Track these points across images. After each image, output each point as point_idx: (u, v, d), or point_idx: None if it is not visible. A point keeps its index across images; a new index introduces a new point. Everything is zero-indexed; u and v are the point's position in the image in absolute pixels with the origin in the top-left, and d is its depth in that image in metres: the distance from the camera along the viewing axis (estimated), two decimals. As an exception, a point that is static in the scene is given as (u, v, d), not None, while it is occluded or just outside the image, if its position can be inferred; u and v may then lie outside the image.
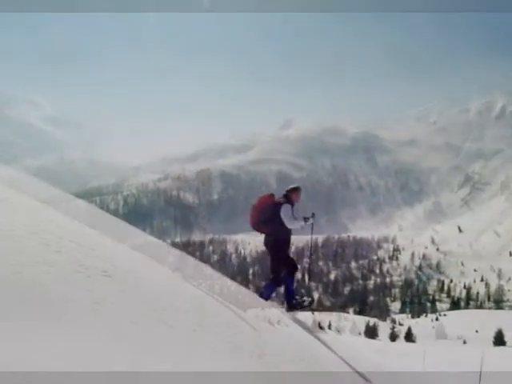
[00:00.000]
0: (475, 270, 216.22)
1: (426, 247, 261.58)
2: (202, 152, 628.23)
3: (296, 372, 4.41)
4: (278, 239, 7.18)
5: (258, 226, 7.22)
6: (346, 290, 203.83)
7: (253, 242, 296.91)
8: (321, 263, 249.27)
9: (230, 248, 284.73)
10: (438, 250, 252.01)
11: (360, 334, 67.99)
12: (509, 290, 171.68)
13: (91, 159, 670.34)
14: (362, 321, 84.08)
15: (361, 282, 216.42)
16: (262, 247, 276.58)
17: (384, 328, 73.13)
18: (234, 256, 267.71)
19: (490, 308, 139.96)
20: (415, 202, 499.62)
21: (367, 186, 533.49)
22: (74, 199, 7.73)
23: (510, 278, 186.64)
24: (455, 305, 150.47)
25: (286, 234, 7.20)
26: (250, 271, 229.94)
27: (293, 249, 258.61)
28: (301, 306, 7.51)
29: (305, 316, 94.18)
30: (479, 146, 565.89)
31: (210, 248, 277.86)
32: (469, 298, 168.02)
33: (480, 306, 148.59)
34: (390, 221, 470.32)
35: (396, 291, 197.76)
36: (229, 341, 4.47)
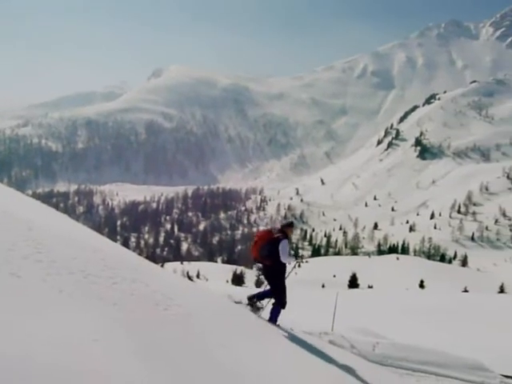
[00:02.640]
0: (335, 220, 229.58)
1: (291, 198, 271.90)
2: (66, 98, 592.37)
3: (153, 318, 4.60)
4: (278, 270, 7.74)
5: (260, 259, 7.78)
6: (215, 240, 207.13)
7: (121, 193, 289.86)
8: (190, 214, 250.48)
9: (97, 199, 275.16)
10: (302, 200, 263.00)
11: (227, 281, 69.78)
12: (363, 238, 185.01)
13: None
14: (229, 269, 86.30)
15: (229, 232, 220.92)
16: (130, 198, 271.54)
17: (250, 275, 75.67)
18: (101, 207, 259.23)
19: (347, 254, 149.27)
20: (282, 154, 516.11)
21: (237, 138, 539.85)
22: None
23: (364, 227, 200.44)
24: (316, 252, 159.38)
25: (284, 265, 7.77)
26: (118, 223, 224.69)
27: (162, 199, 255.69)
28: (254, 308, 8.15)
29: (173, 266, 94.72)
30: (342, 103, 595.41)
31: (76, 199, 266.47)
32: (328, 245, 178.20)
33: (338, 253, 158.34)
34: (258, 173, 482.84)
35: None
36: (132, 293, 4.65)
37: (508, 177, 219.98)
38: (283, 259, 7.55)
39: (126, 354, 3.46)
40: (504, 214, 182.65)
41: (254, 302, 8.13)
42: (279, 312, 7.86)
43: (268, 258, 7.65)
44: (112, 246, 7.58)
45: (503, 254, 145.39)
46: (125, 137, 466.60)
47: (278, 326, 7.75)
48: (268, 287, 8.09)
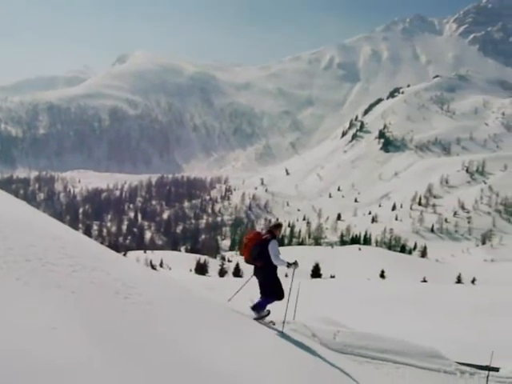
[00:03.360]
0: (299, 210, 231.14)
1: (256, 188, 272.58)
2: (27, 82, 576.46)
3: (113, 306, 4.62)
4: (269, 270, 7.88)
5: (252, 261, 7.96)
6: (179, 228, 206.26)
7: (83, 180, 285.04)
8: (154, 202, 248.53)
9: (58, 186, 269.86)
10: (266, 190, 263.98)
11: (191, 270, 69.62)
12: (326, 228, 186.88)
13: None
14: (193, 258, 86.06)
15: (193, 221, 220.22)
16: (93, 185, 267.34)
17: (214, 265, 75.71)
18: (62, 195, 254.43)
19: (310, 244, 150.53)
20: (247, 144, 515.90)
21: (202, 127, 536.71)
22: None
23: (328, 218, 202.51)
24: (280, 242, 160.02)
25: (275, 265, 7.90)
26: (80, 210, 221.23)
27: (126, 187, 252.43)
28: (259, 317, 8.10)
29: (136, 254, 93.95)
30: (308, 94, 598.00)
31: (36, 186, 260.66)
32: (292, 235, 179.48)
33: (301, 243, 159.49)
34: (224, 162, 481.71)
35: (227, 230, 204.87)
36: (92, 281, 4.64)
37: (467, 170, 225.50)
38: (274, 261, 7.78)
39: (85, 343, 3.44)
40: (462, 207, 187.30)
41: (262, 316, 8.12)
42: (271, 301, 8.04)
43: (259, 259, 7.86)
44: (73, 234, 7.47)
45: (461, 246, 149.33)
46: (88, 123, 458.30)
47: (269, 312, 8.05)
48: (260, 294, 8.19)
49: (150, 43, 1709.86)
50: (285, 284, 8.10)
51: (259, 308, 8.04)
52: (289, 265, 7.95)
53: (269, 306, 8.13)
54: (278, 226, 8.39)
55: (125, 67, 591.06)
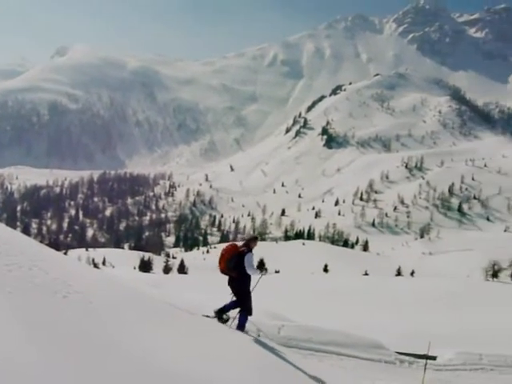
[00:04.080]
0: (243, 206, 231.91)
1: (201, 184, 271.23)
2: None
3: (51, 305, 4.59)
4: (243, 281, 8.19)
5: (227, 271, 8.20)
6: (122, 226, 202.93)
7: (21, 177, 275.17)
8: (96, 199, 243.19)
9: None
10: (211, 187, 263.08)
11: (135, 268, 68.60)
12: (271, 224, 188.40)
13: None
14: (136, 255, 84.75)
15: (137, 218, 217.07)
16: (31, 182, 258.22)
17: (158, 262, 74.87)
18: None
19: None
20: (192, 140, 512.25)
21: (145, 122, 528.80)
22: None
23: (272, 213, 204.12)
24: (225, 238, 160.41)
25: (249, 276, 8.26)
26: (18, 208, 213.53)
27: (67, 184, 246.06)
28: (222, 320, 8.49)
29: (77, 252, 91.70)
30: (252, 90, 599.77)
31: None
32: (237, 231, 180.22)
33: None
34: (167, 158, 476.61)
35: (171, 226, 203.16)
36: (29, 281, 4.64)
37: (406, 166, 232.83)
38: (249, 271, 8.09)
39: (22, 342, 3.36)
40: (402, 202, 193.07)
41: (221, 315, 8.48)
42: (247, 318, 8.39)
43: (234, 270, 8.14)
44: (9, 232, 7.22)
45: (400, 239, 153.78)
46: (26, 117, 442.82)
47: (247, 332, 8.36)
48: (233, 298, 8.48)
49: (89, 36, 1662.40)
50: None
51: (240, 327, 8.30)
52: (261, 271, 8.52)
53: (221, 305, 8.46)
54: (255, 238, 8.70)
55: (64, 60, 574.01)
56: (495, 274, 53.28)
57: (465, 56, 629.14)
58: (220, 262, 8.36)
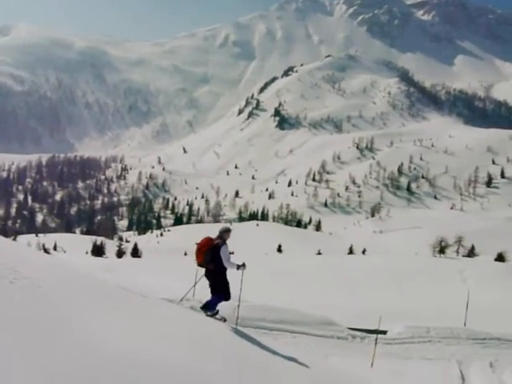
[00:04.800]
0: (197, 188, 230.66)
1: (153, 167, 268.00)
2: None
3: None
4: (220, 272, 8.36)
5: (204, 264, 8.41)
6: (73, 210, 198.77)
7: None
8: (45, 183, 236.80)
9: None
10: (164, 169, 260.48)
11: (87, 252, 67.48)
12: (225, 206, 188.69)
13: None
14: (89, 240, 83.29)
15: (88, 202, 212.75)
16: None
17: (111, 246, 73.86)
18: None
19: (209, 222, 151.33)
20: (143, 122, 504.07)
21: (95, 104, 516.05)
22: None
23: (226, 195, 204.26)
24: (179, 220, 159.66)
25: (225, 268, 8.40)
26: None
27: (14, 168, 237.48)
28: (211, 315, 8.61)
29: (27, 238, 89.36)
30: (204, 71, 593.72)
31: None
32: (191, 213, 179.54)
33: (200, 221, 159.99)
34: (119, 140, 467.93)
35: (123, 210, 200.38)
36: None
37: (357, 147, 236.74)
38: (226, 265, 8.29)
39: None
40: (353, 182, 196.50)
41: (213, 314, 8.58)
42: (219, 301, 8.57)
43: (211, 262, 8.33)
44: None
45: (352, 219, 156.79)
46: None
47: (217, 312, 8.56)
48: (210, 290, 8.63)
49: (33, 15, 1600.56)
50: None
51: (210, 306, 8.52)
52: (238, 267, 8.53)
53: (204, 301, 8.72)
54: (227, 230, 8.79)
55: (7, 40, 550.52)
56: (442, 250, 55.30)
57: (413, 38, 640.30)
58: (197, 256, 8.55)
